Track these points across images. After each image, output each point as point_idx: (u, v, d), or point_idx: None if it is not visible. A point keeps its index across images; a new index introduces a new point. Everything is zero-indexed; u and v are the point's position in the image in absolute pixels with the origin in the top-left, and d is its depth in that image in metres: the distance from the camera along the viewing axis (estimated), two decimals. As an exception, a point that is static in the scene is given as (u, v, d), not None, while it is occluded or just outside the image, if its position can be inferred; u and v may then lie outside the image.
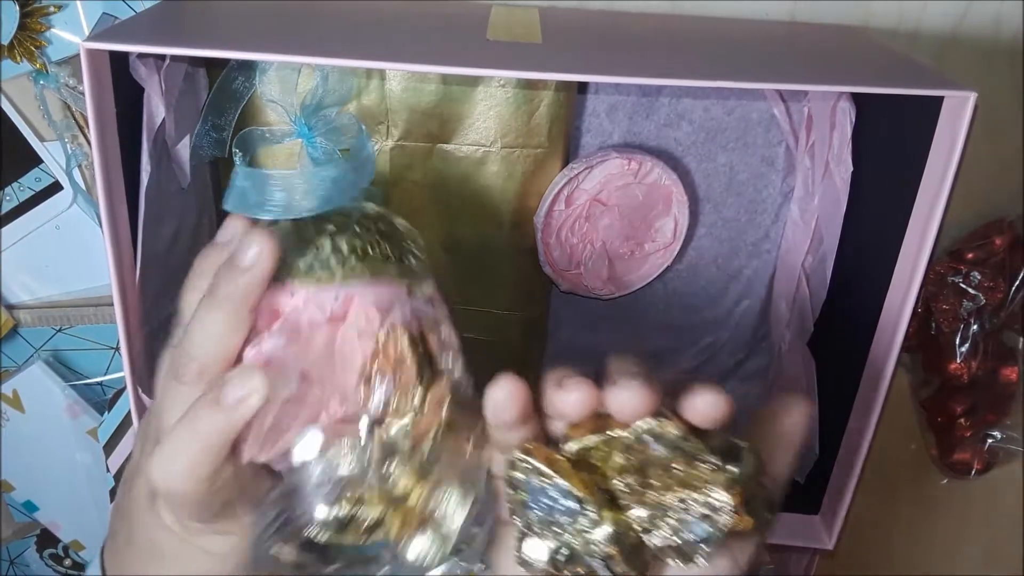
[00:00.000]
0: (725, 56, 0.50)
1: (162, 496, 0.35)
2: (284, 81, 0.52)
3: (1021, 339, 0.65)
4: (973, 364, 0.63)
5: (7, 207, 0.65)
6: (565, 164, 0.57)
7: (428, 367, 0.36)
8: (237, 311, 0.34)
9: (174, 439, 0.33)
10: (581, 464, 0.33)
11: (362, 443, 0.34)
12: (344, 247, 0.37)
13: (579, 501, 0.32)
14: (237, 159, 0.41)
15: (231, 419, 0.33)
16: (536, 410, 0.34)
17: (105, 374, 0.72)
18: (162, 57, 0.48)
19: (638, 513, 0.32)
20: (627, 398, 0.32)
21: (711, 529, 0.31)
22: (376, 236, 0.38)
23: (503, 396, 0.32)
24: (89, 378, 0.72)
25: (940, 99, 0.43)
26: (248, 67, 0.53)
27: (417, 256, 0.40)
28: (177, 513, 0.36)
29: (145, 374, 0.49)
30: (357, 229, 0.38)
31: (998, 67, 0.59)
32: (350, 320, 0.36)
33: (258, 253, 0.34)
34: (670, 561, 0.32)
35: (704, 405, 0.32)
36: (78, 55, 0.40)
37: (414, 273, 0.39)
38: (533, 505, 0.33)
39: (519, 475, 0.33)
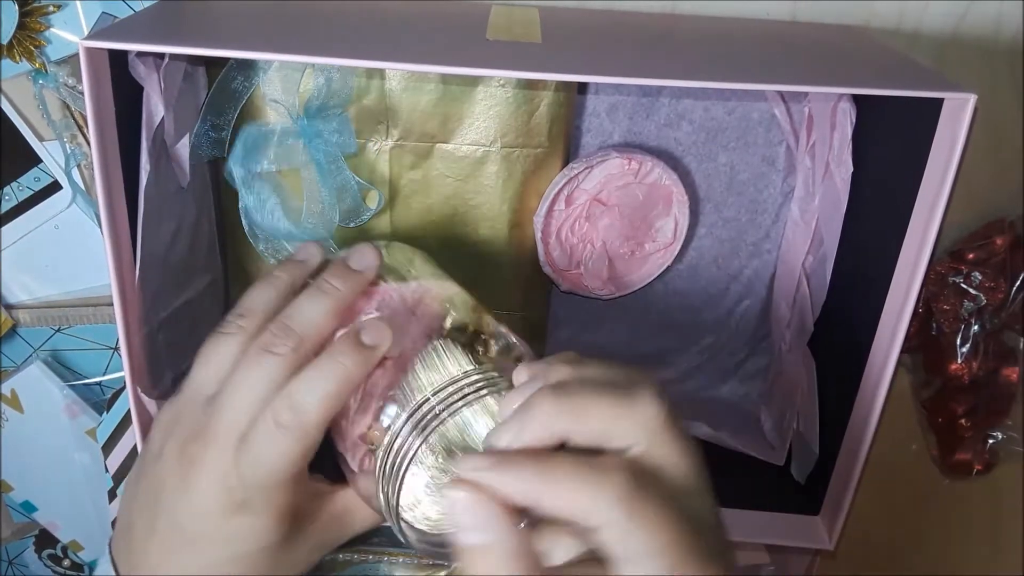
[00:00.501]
0: (725, 56, 0.50)
1: (285, 426, 0.36)
2: (287, 81, 0.53)
3: (1022, 339, 0.65)
4: (974, 364, 0.63)
5: (6, 207, 0.65)
6: (565, 164, 0.57)
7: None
8: (341, 302, 0.39)
9: (318, 368, 0.37)
10: None
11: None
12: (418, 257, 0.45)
13: None
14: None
15: (368, 357, 0.37)
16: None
17: (104, 374, 0.72)
18: (161, 56, 0.47)
19: None
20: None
21: None
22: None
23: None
24: (88, 378, 0.72)
25: (940, 100, 0.43)
26: (247, 67, 0.53)
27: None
28: (260, 465, 0.37)
29: (144, 374, 0.49)
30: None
31: (998, 67, 0.59)
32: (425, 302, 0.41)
33: (370, 261, 0.41)
34: None
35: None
36: (77, 54, 0.40)
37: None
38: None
39: None
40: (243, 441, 0.37)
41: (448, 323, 0.40)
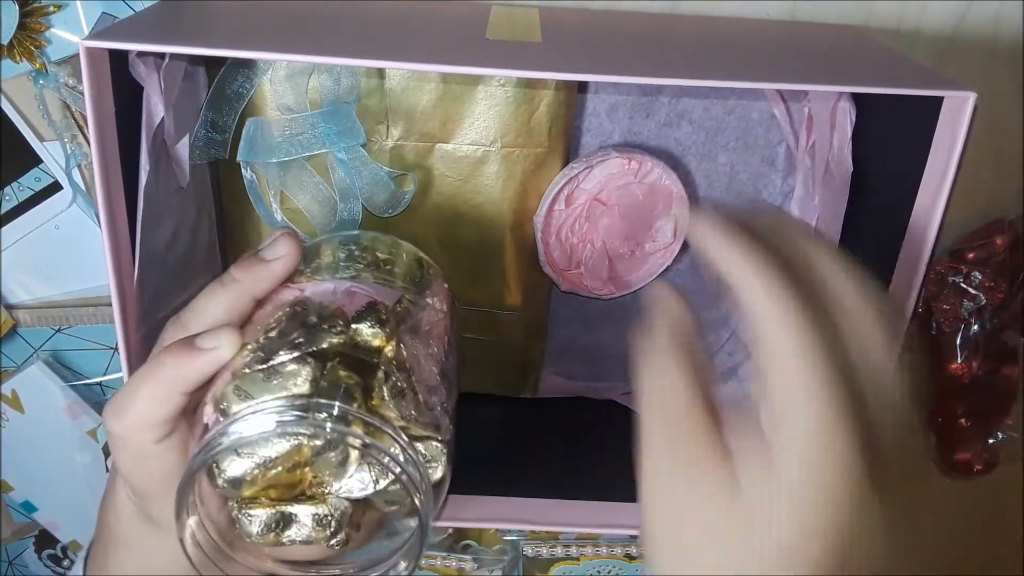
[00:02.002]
0: (725, 56, 0.50)
1: (112, 434, 0.35)
2: (296, 87, 0.53)
3: (1022, 339, 0.65)
4: (974, 364, 0.63)
5: (7, 207, 0.65)
6: (565, 164, 0.57)
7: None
8: (243, 295, 0.36)
9: (139, 371, 0.35)
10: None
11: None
12: (344, 254, 0.40)
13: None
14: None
15: (196, 365, 0.34)
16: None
17: (104, 374, 0.72)
18: (161, 56, 0.47)
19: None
20: None
21: None
22: (377, 253, 0.41)
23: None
24: (88, 378, 0.72)
25: (940, 99, 0.43)
26: (247, 68, 0.53)
27: (419, 274, 0.42)
28: (128, 481, 0.36)
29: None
30: (363, 245, 0.41)
31: (998, 67, 0.59)
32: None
33: (284, 252, 0.38)
34: None
35: None
36: (77, 55, 0.40)
37: (408, 288, 0.41)
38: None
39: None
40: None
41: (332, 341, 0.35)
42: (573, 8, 0.58)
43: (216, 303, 0.36)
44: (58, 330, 0.70)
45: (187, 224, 0.54)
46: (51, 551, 0.78)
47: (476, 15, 0.52)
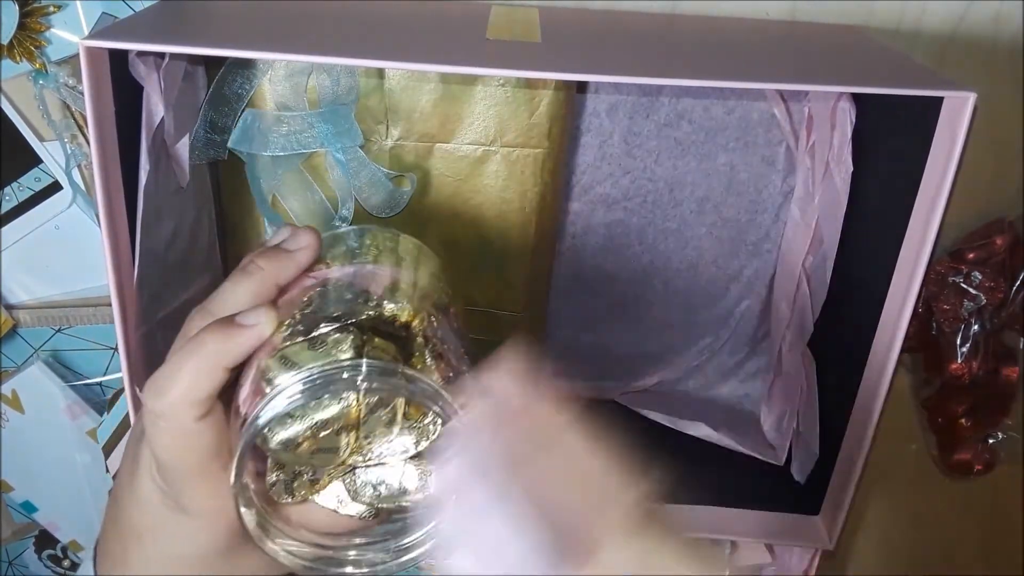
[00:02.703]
0: (725, 56, 0.50)
1: (153, 412, 0.35)
2: (295, 86, 0.53)
3: (1022, 339, 0.65)
4: (974, 364, 0.63)
5: (7, 207, 0.65)
6: (565, 164, 0.57)
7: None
8: (267, 281, 0.37)
9: (180, 349, 0.35)
10: None
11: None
12: (356, 244, 0.41)
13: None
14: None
15: (239, 340, 0.35)
16: None
17: (104, 374, 0.72)
18: (161, 56, 0.47)
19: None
20: None
21: None
22: (386, 243, 0.42)
23: None
24: (88, 378, 0.72)
25: (940, 99, 0.43)
26: (247, 69, 0.53)
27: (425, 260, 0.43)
28: (158, 463, 0.36)
29: (143, 374, 0.49)
30: (372, 234, 0.42)
31: (998, 67, 0.59)
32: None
33: (307, 243, 0.38)
34: None
35: None
36: (77, 54, 0.40)
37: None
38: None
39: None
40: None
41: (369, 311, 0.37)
42: (573, 8, 0.58)
43: (242, 289, 0.37)
44: (58, 330, 0.70)
45: (187, 224, 0.54)
46: (51, 551, 0.78)
47: (476, 15, 0.52)
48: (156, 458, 0.36)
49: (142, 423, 0.36)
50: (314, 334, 0.35)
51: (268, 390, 0.34)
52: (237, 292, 0.37)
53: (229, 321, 0.35)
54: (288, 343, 0.35)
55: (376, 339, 0.35)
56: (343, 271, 0.39)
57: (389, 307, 0.37)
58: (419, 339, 0.37)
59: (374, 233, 0.43)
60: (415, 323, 0.37)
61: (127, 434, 0.68)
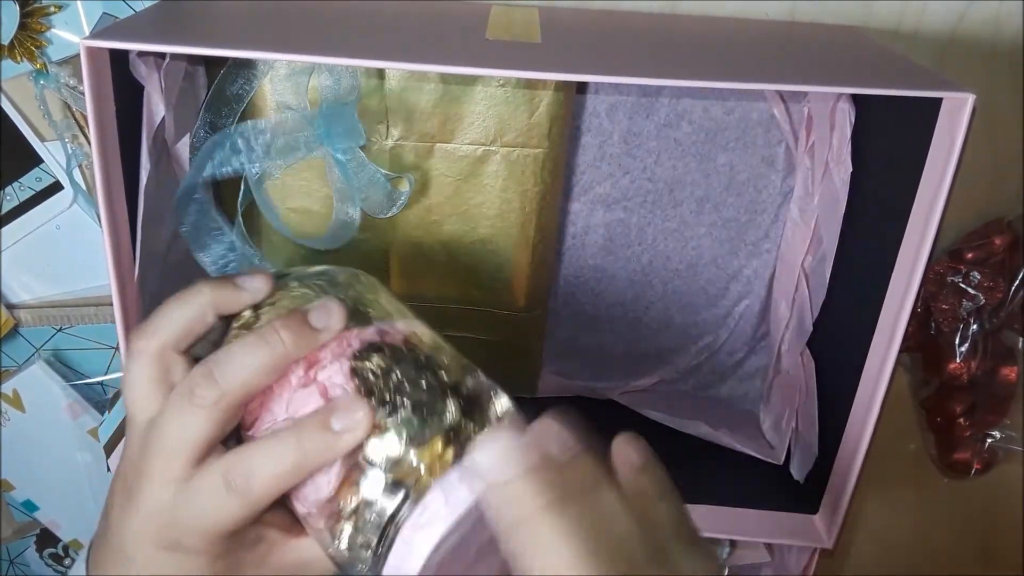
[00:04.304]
0: (725, 56, 0.50)
1: (235, 490, 0.34)
2: (296, 86, 0.53)
3: (1021, 339, 0.65)
4: (972, 364, 0.63)
5: (7, 207, 0.65)
6: (565, 164, 0.57)
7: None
8: (287, 359, 0.35)
9: (282, 443, 0.34)
10: None
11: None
12: (352, 291, 0.39)
13: None
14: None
15: (334, 446, 0.33)
16: None
17: (105, 374, 0.72)
18: (162, 56, 0.48)
19: None
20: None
21: None
22: (360, 290, 0.40)
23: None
24: (89, 378, 0.72)
25: (939, 100, 0.43)
26: (247, 70, 0.53)
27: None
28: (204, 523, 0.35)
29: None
30: (342, 283, 0.40)
31: (998, 67, 0.59)
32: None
33: (336, 324, 0.36)
34: None
35: None
36: (78, 55, 0.40)
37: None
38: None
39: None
40: (184, 488, 0.35)
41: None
42: (573, 8, 0.58)
43: (256, 359, 0.35)
44: (59, 330, 0.70)
45: (188, 224, 0.55)
46: (52, 550, 0.78)
47: (476, 15, 0.52)
48: (199, 518, 0.35)
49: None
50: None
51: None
52: (249, 363, 0.35)
53: (325, 423, 0.34)
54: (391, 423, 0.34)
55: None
56: (362, 334, 0.37)
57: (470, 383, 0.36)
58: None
59: (348, 278, 0.41)
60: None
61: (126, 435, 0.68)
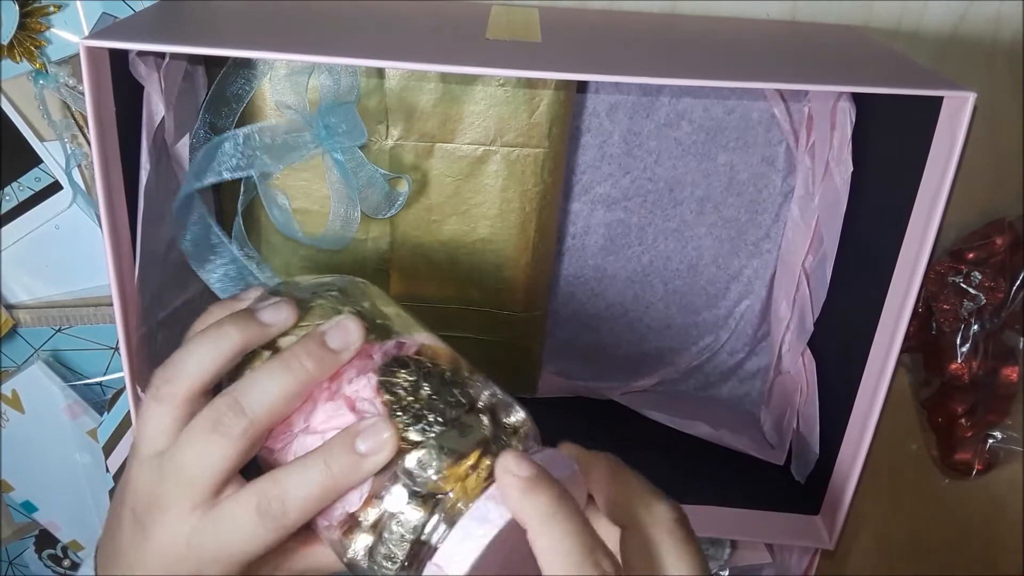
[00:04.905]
0: (725, 56, 0.50)
1: (270, 516, 0.34)
2: (296, 85, 0.53)
3: (1022, 339, 0.65)
4: (974, 364, 0.63)
5: (7, 207, 0.65)
6: (565, 164, 0.57)
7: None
8: (310, 384, 0.35)
9: (313, 469, 0.34)
10: None
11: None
12: (366, 303, 0.38)
13: None
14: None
15: (361, 467, 0.33)
16: None
17: (104, 374, 0.72)
18: (162, 56, 0.48)
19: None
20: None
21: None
22: (368, 302, 0.40)
23: None
24: (89, 378, 0.72)
25: (940, 99, 0.43)
26: (247, 70, 0.53)
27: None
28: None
29: (144, 374, 0.49)
30: (353, 294, 0.40)
31: (998, 67, 0.59)
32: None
33: (355, 342, 0.36)
34: None
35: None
36: (77, 54, 0.40)
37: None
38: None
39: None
40: (208, 517, 0.35)
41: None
42: (573, 8, 0.58)
43: (282, 389, 0.35)
44: (58, 330, 0.70)
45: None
46: (51, 551, 0.78)
47: (476, 15, 0.52)
48: (226, 545, 0.35)
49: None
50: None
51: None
52: (271, 387, 0.34)
53: (350, 445, 0.34)
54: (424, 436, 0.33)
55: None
56: (381, 348, 0.37)
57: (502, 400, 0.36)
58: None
59: (359, 288, 0.40)
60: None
61: (126, 435, 0.68)
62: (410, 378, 0.35)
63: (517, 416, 0.36)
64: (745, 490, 0.57)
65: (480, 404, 0.35)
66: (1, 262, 0.66)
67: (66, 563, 0.78)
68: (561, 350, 0.66)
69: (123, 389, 0.70)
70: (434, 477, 0.33)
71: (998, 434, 0.67)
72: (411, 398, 0.34)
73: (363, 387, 0.35)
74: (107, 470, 0.69)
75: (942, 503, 0.74)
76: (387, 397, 0.34)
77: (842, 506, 0.52)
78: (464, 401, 0.35)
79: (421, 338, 0.37)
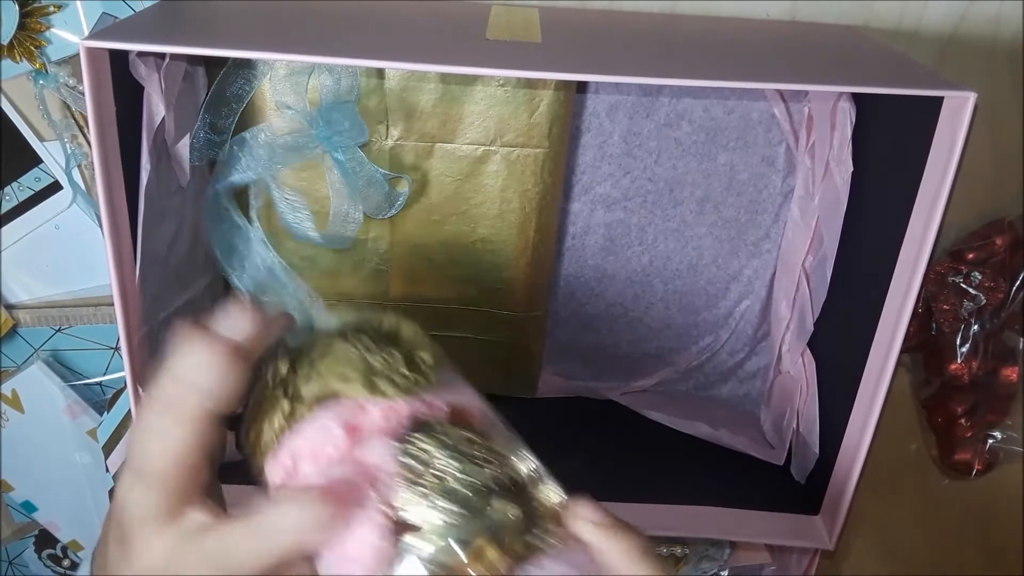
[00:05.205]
0: (725, 56, 0.50)
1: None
2: (296, 85, 0.53)
3: (1021, 339, 0.65)
4: (973, 364, 0.63)
5: (7, 207, 0.65)
6: (565, 164, 0.57)
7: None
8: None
9: (235, 534, 0.32)
10: None
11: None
12: (422, 356, 0.35)
13: None
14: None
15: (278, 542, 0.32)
16: None
17: (104, 374, 0.72)
18: (162, 56, 0.47)
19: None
20: None
21: None
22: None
23: None
24: (88, 378, 0.72)
25: (940, 99, 0.43)
26: (246, 70, 0.53)
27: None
28: None
29: (145, 374, 0.49)
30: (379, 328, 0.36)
31: (998, 67, 0.59)
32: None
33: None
34: None
35: None
36: (78, 55, 0.40)
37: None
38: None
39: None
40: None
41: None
42: (573, 8, 0.58)
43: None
44: (58, 330, 0.70)
45: (187, 224, 0.54)
46: (51, 551, 0.78)
47: (476, 15, 0.52)
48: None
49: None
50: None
51: None
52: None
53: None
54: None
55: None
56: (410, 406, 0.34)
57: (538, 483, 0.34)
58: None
59: (381, 329, 0.36)
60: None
61: (126, 435, 0.68)
62: (429, 447, 0.33)
63: (548, 494, 0.34)
64: (745, 490, 0.57)
65: (507, 480, 0.33)
66: (1, 262, 0.66)
67: (66, 563, 0.78)
68: (561, 350, 0.66)
69: (123, 389, 0.70)
70: (444, 560, 0.31)
71: (998, 434, 0.67)
72: (428, 474, 0.32)
73: (381, 455, 0.32)
74: (107, 470, 0.69)
75: (942, 503, 0.74)
76: (402, 468, 0.32)
77: (842, 506, 0.52)
78: (486, 479, 0.32)
79: (454, 396, 0.35)
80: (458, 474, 0.32)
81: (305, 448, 0.33)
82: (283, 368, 0.34)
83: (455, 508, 0.32)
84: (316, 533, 0.31)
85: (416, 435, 0.33)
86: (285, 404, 0.34)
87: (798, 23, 0.58)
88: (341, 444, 0.33)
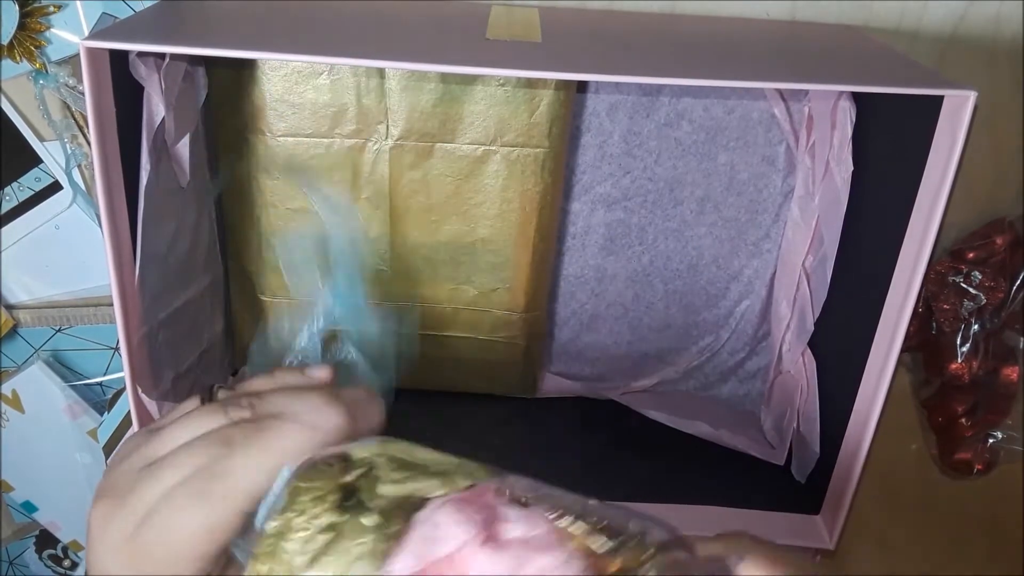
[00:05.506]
0: (725, 56, 0.50)
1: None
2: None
3: (1022, 339, 0.65)
4: (974, 364, 0.63)
5: (7, 207, 0.65)
6: (565, 164, 0.57)
7: None
8: None
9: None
10: None
11: None
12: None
13: None
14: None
15: None
16: None
17: (105, 374, 0.72)
18: (162, 56, 0.47)
19: None
20: None
21: None
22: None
23: None
24: (89, 378, 0.72)
25: (940, 98, 0.43)
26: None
27: None
28: None
29: (145, 374, 0.49)
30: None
31: (998, 67, 0.59)
32: None
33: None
34: None
35: None
36: (78, 55, 0.40)
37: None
38: None
39: None
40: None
41: None
42: (573, 8, 0.58)
43: None
44: (58, 330, 0.70)
45: (187, 224, 0.54)
46: (52, 551, 0.78)
47: (476, 15, 0.52)
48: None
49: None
50: None
51: None
52: None
53: None
54: None
55: None
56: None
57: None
58: None
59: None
60: None
61: (127, 435, 0.68)
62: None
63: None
64: (745, 490, 0.57)
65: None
66: (1, 262, 0.66)
67: (66, 563, 0.78)
68: (561, 350, 0.66)
69: (123, 389, 0.70)
70: None
71: (998, 434, 0.67)
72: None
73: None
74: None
75: (942, 503, 0.74)
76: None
77: (842, 506, 0.52)
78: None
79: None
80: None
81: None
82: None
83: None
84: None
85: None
86: (330, 498, 0.31)
87: (798, 23, 0.58)
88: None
